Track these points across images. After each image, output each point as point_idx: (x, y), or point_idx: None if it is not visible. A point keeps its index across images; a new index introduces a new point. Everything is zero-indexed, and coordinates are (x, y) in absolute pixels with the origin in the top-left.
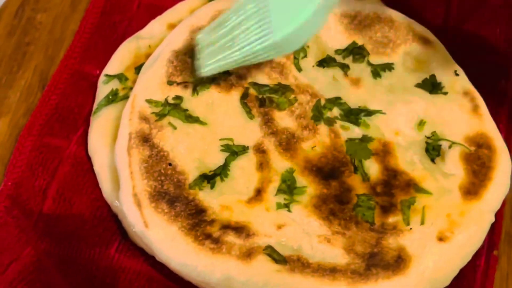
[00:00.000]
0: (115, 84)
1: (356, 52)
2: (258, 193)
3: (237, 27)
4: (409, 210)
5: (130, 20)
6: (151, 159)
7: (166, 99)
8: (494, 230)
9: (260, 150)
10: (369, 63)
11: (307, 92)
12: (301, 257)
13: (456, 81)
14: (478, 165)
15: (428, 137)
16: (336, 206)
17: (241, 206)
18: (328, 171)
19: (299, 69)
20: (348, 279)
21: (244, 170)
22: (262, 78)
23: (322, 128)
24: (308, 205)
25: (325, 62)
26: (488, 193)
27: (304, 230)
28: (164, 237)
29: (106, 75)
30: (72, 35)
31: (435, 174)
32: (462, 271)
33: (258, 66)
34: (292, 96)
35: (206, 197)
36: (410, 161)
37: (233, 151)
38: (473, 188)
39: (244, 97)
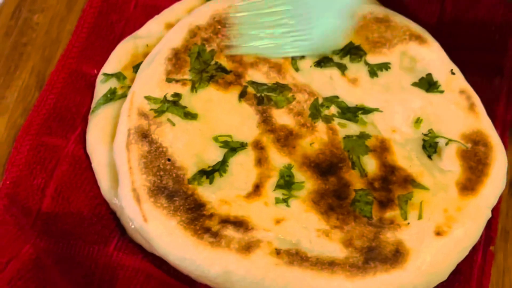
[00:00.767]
0: (113, 83)
1: (353, 52)
2: (257, 188)
3: (279, 23)
4: (407, 205)
5: (127, 20)
6: (150, 154)
7: (165, 96)
8: (491, 226)
9: (258, 146)
10: (366, 63)
11: (304, 90)
12: (300, 251)
13: (452, 79)
14: (475, 162)
15: (425, 134)
16: (334, 201)
17: (240, 201)
18: (326, 167)
19: (297, 69)
20: (347, 272)
21: (242, 166)
22: (260, 77)
23: (320, 125)
24: (306, 200)
25: (322, 62)
26: (484, 189)
27: (303, 224)
28: (163, 231)
29: (104, 74)
30: (69, 35)
31: (432, 170)
32: (459, 267)
33: (256, 65)
34: (290, 94)
35: (205, 192)
36: (407, 157)
37: (232, 147)
38: (469, 184)
39: (243, 95)
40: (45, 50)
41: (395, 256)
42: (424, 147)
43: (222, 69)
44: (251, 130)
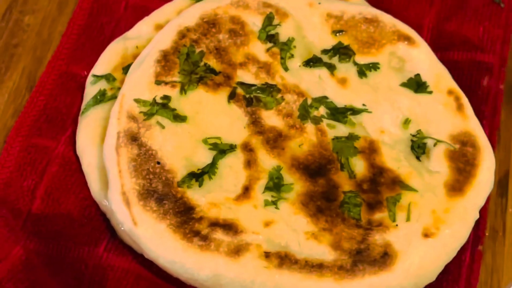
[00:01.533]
0: (102, 85)
1: (342, 52)
2: (246, 190)
3: None
4: (395, 206)
5: (117, 21)
6: (139, 157)
7: (154, 99)
8: (479, 226)
9: (247, 148)
10: (355, 63)
11: (293, 91)
12: (289, 253)
13: (441, 80)
14: (463, 163)
15: (413, 135)
16: (323, 203)
17: (229, 203)
18: (315, 168)
19: (286, 69)
20: (335, 275)
21: (231, 168)
22: (249, 78)
23: (309, 126)
24: (295, 202)
25: (311, 62)
26: (472, 190)
27: (292, 227)
28: (152, 235)
29: (94, 76)
30: (59, 36)
31: (421, 171)
32: (448, 266)
33: (245, 66)
34: (279, 95)
35: (194, 195)
36: (395, 158)
37: (221, 149)
38: (457, 185)
39: (232, 96)
40: (36, 51)
41: (384, 259)
42: (412, 148)
43: (211, 70)
44: (240, 132)
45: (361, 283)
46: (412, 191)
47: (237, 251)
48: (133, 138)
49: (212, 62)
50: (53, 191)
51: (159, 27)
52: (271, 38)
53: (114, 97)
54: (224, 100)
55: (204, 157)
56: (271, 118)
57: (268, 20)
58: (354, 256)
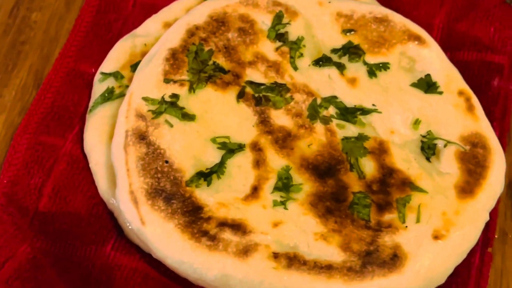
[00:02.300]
0: (110, 82)
1: (352, 51)
2: (255, 190)
3: None
4: (405, 208)
5: (125, 19)
6: (147, 156)
7: (162, 97)
8: (489, 228)
9: (256, 148)
10: (365, 63)
11: (303, 91)
12: (298, 254)
13: (451, 80)
14: (473, 164)
15: (423, 136)
16: (332, 204)
17: (238, 203)
18: (324, 168)
19: (295, 68)
20: (344, 276)
21: (240, 167)
22: (259, 77)
23: (318, 126)
24: (304, 203)
25: (321, 61)
26: (483, 192)
27: (301, 227)
28: (160, 235)
29: (102, 73)
30: (67, 34)
31: (431, 172)
32: (457, 269)
33: (254, 64)
34: (288, 95)
35: (203, 194)
36: (405, 159)
37: (230, 149)
38: (468, 187)
39: (241, 95)
40: (43, 48)
41: (393, 260)
42: (422, 148)
43: (220, 69)
44: (249, 131)
45: (370, 285)
46: (422, 192)
47: (245, 251)
48: (141, 137)
49: (221, 61)
50: (61, 189)
51: (167, 25)
52: (281, 37)
53: (122, 95)
54: (233, 99)
55: (212, 156)
56: (280, 118)
57: (278, 19)
58: (363, 257)
